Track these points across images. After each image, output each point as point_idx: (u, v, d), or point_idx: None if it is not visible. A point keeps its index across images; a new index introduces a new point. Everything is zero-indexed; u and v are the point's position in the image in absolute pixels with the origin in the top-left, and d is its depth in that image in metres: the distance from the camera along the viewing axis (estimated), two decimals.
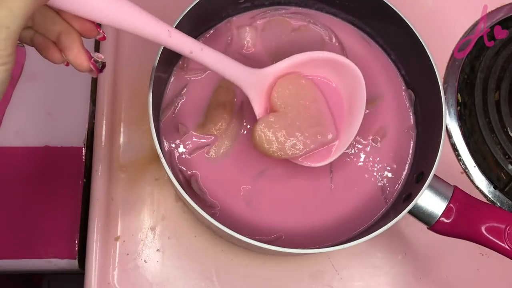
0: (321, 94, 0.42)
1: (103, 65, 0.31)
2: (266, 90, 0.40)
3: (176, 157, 0.43)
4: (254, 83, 0.38)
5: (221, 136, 0.44)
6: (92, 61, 0.31)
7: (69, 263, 0.48)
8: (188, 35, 0.45)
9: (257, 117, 0.40)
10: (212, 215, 0.36)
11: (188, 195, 0.37)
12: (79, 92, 0.52)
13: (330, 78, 0.43)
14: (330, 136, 0.41)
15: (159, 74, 0.41)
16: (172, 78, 0.45)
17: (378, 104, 0.46)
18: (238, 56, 0.46)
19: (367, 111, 0.46)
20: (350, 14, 0.48)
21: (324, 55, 0.41)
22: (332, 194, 0.44)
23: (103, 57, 0.32)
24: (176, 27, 0.40)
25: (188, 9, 0.41)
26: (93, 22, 0.31)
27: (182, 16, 0.41)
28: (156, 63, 0.39)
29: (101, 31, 0.32)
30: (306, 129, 0.40)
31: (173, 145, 0.44)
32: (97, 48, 0.53)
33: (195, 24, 0.44)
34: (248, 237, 0.36)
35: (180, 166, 0.43)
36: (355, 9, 0.47)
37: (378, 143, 0.45)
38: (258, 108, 0.40)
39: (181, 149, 0.43)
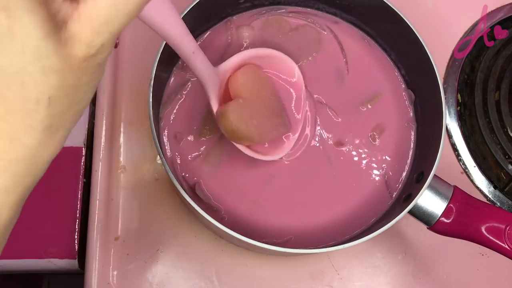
0: (276, 88, 0.44)
1: None
2: (221, 86, 0.40)
3: (178, 163, 0.43)
4: (213, 80, 0.39)
5: (220, 140, 0.44)
6: None
7: (69, 263, 0.48)
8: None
9: (214, 112, 0.39)
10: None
11: (188, 195, 0.37)
12: None
13: (276, 71, 0.44)
14: (286, 128, 0.43)
15: (159, 73, 0.41)
16: (172, 78, 0.45)
17: (377, 102, 0.46)
18: None
19: (365, 108, 0.46)
20: (350, 14, 0.48)
21: (263, 52, 0.42)
22: (333, 193, 0.44)
23: None
24: None
25: (188, 9, 0.41)
26: None
27: (182, 16, 0.41)
28: (156, 63, 0.39)
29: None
30: (269, 118, 0.41)
31: (174, 148, 0.44)
32: None
33: (196, 24, 0.44)
34: (248, 238, 0.36)
35: (183, 173, 0.43)
36: (355, 9, 0.47)
37: (378, 142, 0.45)
38: (215, 103, 0.40)
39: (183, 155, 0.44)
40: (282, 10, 0.48)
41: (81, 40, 0.21)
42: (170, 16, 0.31)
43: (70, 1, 0.21)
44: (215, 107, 0.39)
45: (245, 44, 0.47)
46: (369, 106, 0.46)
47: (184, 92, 0.45)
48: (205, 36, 0.47)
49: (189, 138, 0.44)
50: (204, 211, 0.36)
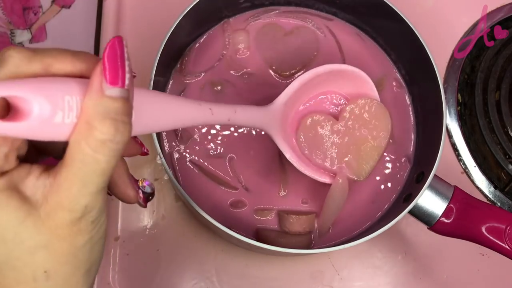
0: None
1: (152, 194, 0.29)
2: (282, 122, 0.38)
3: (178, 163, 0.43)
4: (270, 121, 0.37)
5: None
6: (140, 192, 0.28)
7: None
8: (187, 37, 0.46)
9: (285, 154, 0.38)
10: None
11: (188, 195, 0.37)
12: None
13: (336, 89, 0.42)
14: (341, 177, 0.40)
15: (158, 78, 0.41)
16: (171, 82, 0.45)
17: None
18: (235, 59, 0.46)
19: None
20: (350, 13, 0.48)
21: (326, 68, 0.39)
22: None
23: (151, 185, 0.29)
24: (175, 28, 0.40)
25: (188, 10, 0.41)
26: (136, 140, 0.29)
27: (182, 16, 0.41)
28: (156, 64, 0.39)
29: (144, 149, 0.30)
30: (344, 152, 0.40)
31: (173, 148, 0.44)
32: (96, 50, 0.53)
33: (194, 25, 0.44)
34: (248, 237, 0.36)
35: (183, 173, 0.43)
36: (355, 9, 0.47)
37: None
38: (282, 143, 0.38)
39: (187, 154, 0.44)
40: (276, 11, 0.48)
41: (63, 208, 0.21)
42: (172, 113, 0.28)
43: (47, 175, 0.22)
44: (286, 151, 0.38)
45: (241, 49, 0.46)
46: None
47: (183, 94, 0.45)
48: (203, 39, 0.47)
49: (194, 137, 0.44)
50: (204, 211, 0.36)
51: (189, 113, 0.29)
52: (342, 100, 0.42)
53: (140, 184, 0.28)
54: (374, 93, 0.41)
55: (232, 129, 0.44)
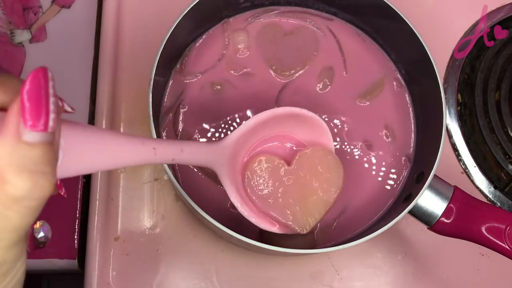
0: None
1: (44, 243, 0.26)
2: (231, 161, 0.36)
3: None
4: (218, 158, 0.34)
5: None
6: (30, 236, 0.25)
7: (69, 263, 0.48)
8: (187, 37, 0.46)
9: (229, 195, 0.36)
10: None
11: (188, 195, 0.37)
12: (79, 92, 0.52)
13: (293, 132, 0.39)
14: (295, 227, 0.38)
15: (158, 78, 0.41)
16: (171, 82, 0.45)
17: (375, 100, 0.46)
18: (235, 59, 0.46)
19: (365, 103, 0.46)
20: (350, 13, 0.48)
21: (284, 111, 0.37)
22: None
23: (48, 231, 0.26)
24: (175, 28, 0.40)
25: (188, 10, 0.41)
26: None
27: (182, 16, 0.41)
28: (156, 63, 0.39)
29: (62, 191, 0.25)
30: (290, 201, 0.37)
31: None
32: (96, 50, 0.53)
33: (194, 25, 0.44)
34: (248, 237, 0.36)
35: (183, 173, 0.43)
36: (355, 9, 0.47)
37: (378, 142, 0.45)
38: (228, 183, 0.35)
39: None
40: (276, 11, 0.48)
41: None
42: (108, 154, 0.23)
43: None
44: (231, 193, 0.35)
45: (241, 49, 0.46)
46: (367, 103, 0.46)
47: (183, 94, 0.45)
48: (202, 39, 0.47)
49: (194, 136, 0.44)
50: (204, 211, 0.36)
51: (128, 154, 0.25)
52: (296, 148, 0.39)
53: (35, 227, 0.24)
54: (330, 143, 0.39)
55: (231, 128, 0.44)
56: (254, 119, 0.36)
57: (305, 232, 0.37)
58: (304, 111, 0.38)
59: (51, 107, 0.18)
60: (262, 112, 0.36)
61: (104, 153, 0.23)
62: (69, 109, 0.21)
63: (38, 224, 0.25)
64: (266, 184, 0.37)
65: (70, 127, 0.21)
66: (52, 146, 0.18)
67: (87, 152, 0.22)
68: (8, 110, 0.18)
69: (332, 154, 0.38)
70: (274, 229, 0.38)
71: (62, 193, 0.24)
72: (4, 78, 0.19)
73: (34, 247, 0.25)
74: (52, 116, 0.18)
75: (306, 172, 0.37)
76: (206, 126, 0.44)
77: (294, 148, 0.39)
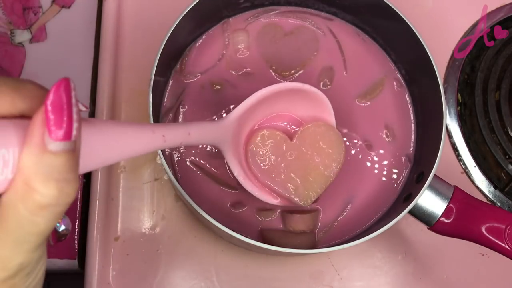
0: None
1: (65, 235, 0.27)
2: (234, 138, 0.36)
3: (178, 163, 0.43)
4: (221, 136, 0.35)
5: None
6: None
7: (69, 263, 0.48)
8: (187, 37, 0.46)
9: (233, 171, 0.37)
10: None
11: (188, 195, 0.37)
12: (79, 92, 0.52)
13: (295, 109, 0.40)
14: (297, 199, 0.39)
15: (158, 78, 0.41)
16: (171, 82, 0.45)
17: (375, 100, 0.46)
18: (235, 59, 0.46)
19: (365, 103, 0.46)
20: (350, 13, 0.48)
21: (286, 86, 0.37)
22: (333, 192, 0.44)
23: (68, 224, 0.26)
24: (175, 28, 0.40)
25: (188, 10, 0.41)
26: None
27: (182, 16, 0.41)
28: (156, 63, 0.39)
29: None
30: (292, 175, 0.38)
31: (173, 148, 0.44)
32: (96, 50, 0.53)
33: (194, 25, 0.44)
34: (248, 237, 0.36)
35: (183, 173, 0.43)
36: (355, 9, 0.47)
37: (378, 141, 0.45)
38: (231, 159, 0.36)
39: (187, 154, 0.43)
40: (276, 11, 0.48)
41: None
42: (122, 145, 0.24)
43: None
44: (234, 167, 0.36)
45: (241, 49, 0.46)
46: (368, 103, 0.46)
47: (183, 94, 0.45)
48: (202, 39, 0.47)
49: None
50: (205, 211, 0.36)
51: (139, 144, 0.25)
52: (298, 124, 0.40)
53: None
54: (332, 118, 0.39)
55: None
56: (255, 95, 0.36)
57: (306, 205, 0.38)
58: (306, 86, 0.38)
59: (74, 116, 0.18)
60: (264, 88, 0.36)
61: (116, 146, 0.23)
62: (83, 108, 0.21)
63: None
64: (268, 159, 0.38)
65: (84, 125, 0.21)
66: (75, 153, 0.19)
67: (99, 147, 0.22)
68: (32, 120, 0.18)
69: (334, 130, 0.39)
70: (276, 202, 0.38)
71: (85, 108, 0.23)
72: (18, 83, 0.19)
73: (56, 240, 0.26)
74: (75, 125, 0.18)
75: (308, 147, 0.38)
76: None
77: (295, 128, 0.40)
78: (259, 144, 0.38)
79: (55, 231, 0.25)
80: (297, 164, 0.38)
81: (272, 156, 0.38)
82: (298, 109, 0.40)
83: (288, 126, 0.40)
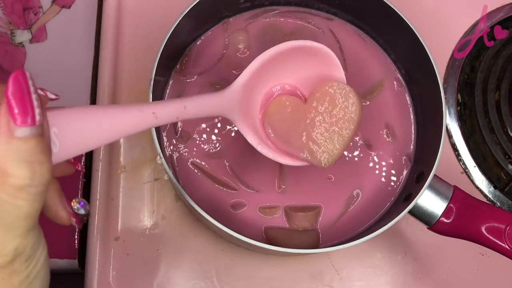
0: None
1: (87, 215, 0.27)
2: (243, 105, 0.36)
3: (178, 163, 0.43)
4: (227, 105, 0.34)
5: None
6: (73, 214, 0.26)
7: (69, 263, 0.48)
8: (187, 37, 0.46)
9: (246, 137, 0.36)
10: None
11: (188, 195, 0.37)
12: (79, 92, 0.53)
13: (303, 71, 0.39)
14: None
15: (158, 78, 0.41)
16: (171, 82, 0.45)
17: (376, 100, 0.46)
18: (235, 59, 0.46)
19: (366, 103, 0.46)
20: (350, 14, 0.48)
21: (288, 45, 0.36)
22: (333, 191, 0.44)
23: (85, 205, 0.27)
24: (175, 28, 0.40)
25: (188, 10, 0.41)
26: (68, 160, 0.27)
27: (182, 16, 0.41)
28: (156, 63, 0.39)
29: (78, 167, 0.27)
30: (309, 137, 0.37)
31: (173, 148, 0.44)
32: (96, 50, 0.53)
33: (194, 25, 0.44)
34: (247, 237, 0.36)
35: (183, 173, 0.43)
36: (355, 9, 0.47)
37: (378, 142, 0.45)
38: (243, 126, 0.36)
39: (187, 154, 0.43)
40: (276, 11, 0.48)
41: None
42: (107, 127, 0.24)
43: None
44: (247, 134, 0.36)
45: (241, 49, 0.46)
46: (368, 103, 0.46)
47: (183, 94, 0.45)
48: (202, 39, 0.47)
49: (194, 136, 0.44)
50: (204, 211, 0.36)
51: (127, 124, 0.26)
52: (308, 87, 0.39)
53: (74, 205, 0.26)
54: (341, 75, 0.38)
55: (231, 127, 0.44)
56: (259, 59, 0.35)
57: (326, 167, 0.37)
58: (308, 42, 0.37)
59: (35, 102, 0.20)
60: (266, 51, 0.35)
61: (100, 128, 0.24)
62: (52, 96, 0.23)
63: (74, 202, 0.26)
64: (284, 124, 0.37)
65: (60, 113, 0.22)
66: (43, 137, 0.20)
67: (82, 132, 0.23)
68: None
69: (347, 87, 0.37)
70: (294, 162, 0.38)
71: (79, 168, 0.26)
72: None
73: (80, 222, 0.27)
74: (37, 110, 0.20)
75: (323, 108, 0.37)
76: (205, 126, 0.44)
77: (306, 92, 0.39)
78: (274, 110, 0.38)
79: (75, 214, 0.26)
80: (313, 126, 0.37)
81: (288, 121, 0.37)
82: (306, 70, 0.39)
83: (299, 91, 0.40)
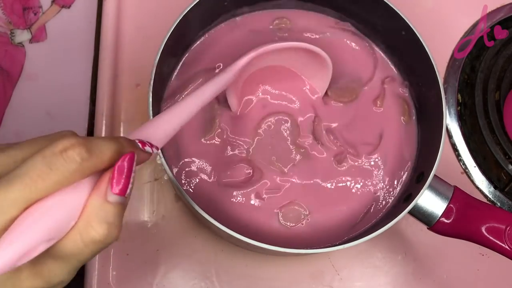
0: None
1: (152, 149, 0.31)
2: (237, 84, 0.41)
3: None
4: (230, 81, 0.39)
5: None
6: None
7: None
8: (187, 37, 0.45)
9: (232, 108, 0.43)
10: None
11: (188, 195, 0.37)
12: (79, 92, 0.53)
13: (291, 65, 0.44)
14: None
15: (158, 78, 0.41)
16: (174, 77, 0.45)
17: (373, 99, 0.46)
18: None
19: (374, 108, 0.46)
20: (350, 13, 0.48)
21: (291, 45, 0.40)
22: (333, 192, 0.44)
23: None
24: (175, 28, 0.40)
25: (187, 10, 0.41)
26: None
27: (182, 17, 0.41)
28: (156, 63, 0.39)
29: (153, 148, 0.30)
30: None
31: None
32: (96, 50, 0.53)
33: (194, 25, 0.44)
34: (247, 237, 0.36)
35: (183, 173, 0.43)
36: (354, 9, 0.47)
37: (378, 142, 0.45)
38: (233, 97, 0.42)
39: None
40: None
41: (42, 277, 0.24)
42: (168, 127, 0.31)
43: None
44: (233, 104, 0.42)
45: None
46: (369, 105, 0.46)
47: (185, 93, 0.45)
48: (203, 38, 0.47)
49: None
50: (204, 211, 0.36)
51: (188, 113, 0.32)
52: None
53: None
54: (325, 83, 0.44)
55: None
56: (262, 48, 0.39)
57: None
58: (311, 46, 0.40)
59: (131, 180, 0.25)
60: (273, 44, 0.40)
61: (171, 125, 0.31)
62: (149, 150, 0.28)
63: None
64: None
65: (147, 129, 0.29)
66: (124, 206, 0.25)
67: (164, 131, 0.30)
68: (103, 176, 0.24)
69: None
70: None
71: (153, 150, 0.29)
72: (94, 145, 0.24)
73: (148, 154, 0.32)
74: (130, 186, 0.25)
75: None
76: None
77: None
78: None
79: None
80: None
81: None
82: (295, 68, 0.44)
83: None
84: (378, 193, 0.44)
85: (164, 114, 0.31)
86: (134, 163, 0.25)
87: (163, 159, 0.38)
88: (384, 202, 0.44)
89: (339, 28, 0.48)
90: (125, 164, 0.24)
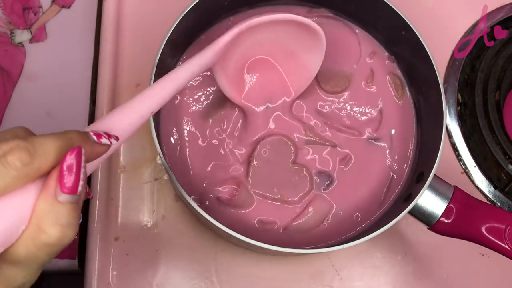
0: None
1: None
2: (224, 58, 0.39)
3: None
4: (216, 58, 0.37)
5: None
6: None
7: (69, 263, 0.48)
8: (187, 37, 0.45)
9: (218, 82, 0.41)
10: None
11: (188, 195, 0.37)
12: (79, 92, 0.52)
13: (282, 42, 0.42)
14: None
15: (158, 74, 0.41)
16: None
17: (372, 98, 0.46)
18: None
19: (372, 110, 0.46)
20: (350, 13, 0.48)
21: (283, 17, 0.38)
22: (333, 192, 0.44)
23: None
24: (175, 28, 0.40)
25: (188, 10, 0.41)
26: None
27: (182, 17, 0.41)
28: (156, 63, 0.39)
29: (90, 196, 0.30)
30: None
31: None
32: (96, 50, 0.53)
33: (194, 25, 0.44)
34: (247, 237, 0.36)
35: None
36: (354, 9, 0.47)
37: (379, 142, 0.45)
38: (222, 79, 0.41)
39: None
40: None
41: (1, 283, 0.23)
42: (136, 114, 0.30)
43: None
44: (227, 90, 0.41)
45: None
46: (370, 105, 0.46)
47: (187, 92, 0.45)
48: (203, 37, 0.47)
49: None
50: (204, 211, 0.36)
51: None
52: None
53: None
54: (319, 59, 0.42)
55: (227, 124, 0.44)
56: (247, 22, 0.37)
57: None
58: (306, 20, 0.38)
59: (81, 176, 0.23)
60: (262, 17, 0.38)
61: (139, 113, 0.30)
62: (107, 142, 0.27)
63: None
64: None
65: (110, 119, 0.28)
66: (78, 205, 0.23)
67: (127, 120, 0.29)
68: (50, 175, 0.23)
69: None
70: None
71: (90, 197, 0.29)
72: (35, 143, 0.23)
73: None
74: (81, 183, 0.23)
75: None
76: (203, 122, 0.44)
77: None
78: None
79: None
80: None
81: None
82: (286, 45, 0.42)
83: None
84: (393, 169, 0.45)
85: (130, 101, 0.29)
86: (83, 157, 0.23)
87: (163, 159, 0.38)
88: (398, 179, 0.45)
89: (317, 15, 0.48)
90: (73, 159, 0.23)
